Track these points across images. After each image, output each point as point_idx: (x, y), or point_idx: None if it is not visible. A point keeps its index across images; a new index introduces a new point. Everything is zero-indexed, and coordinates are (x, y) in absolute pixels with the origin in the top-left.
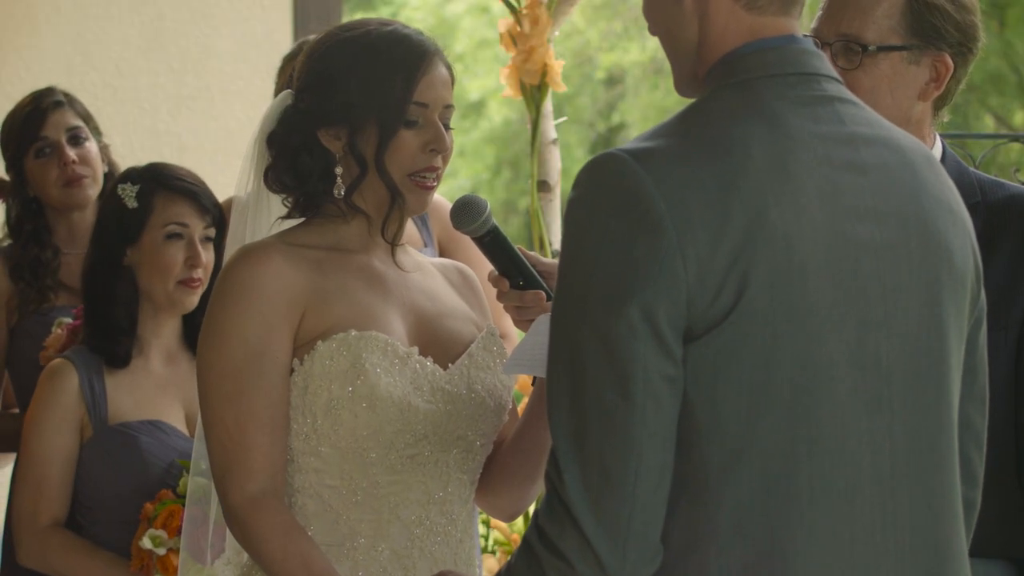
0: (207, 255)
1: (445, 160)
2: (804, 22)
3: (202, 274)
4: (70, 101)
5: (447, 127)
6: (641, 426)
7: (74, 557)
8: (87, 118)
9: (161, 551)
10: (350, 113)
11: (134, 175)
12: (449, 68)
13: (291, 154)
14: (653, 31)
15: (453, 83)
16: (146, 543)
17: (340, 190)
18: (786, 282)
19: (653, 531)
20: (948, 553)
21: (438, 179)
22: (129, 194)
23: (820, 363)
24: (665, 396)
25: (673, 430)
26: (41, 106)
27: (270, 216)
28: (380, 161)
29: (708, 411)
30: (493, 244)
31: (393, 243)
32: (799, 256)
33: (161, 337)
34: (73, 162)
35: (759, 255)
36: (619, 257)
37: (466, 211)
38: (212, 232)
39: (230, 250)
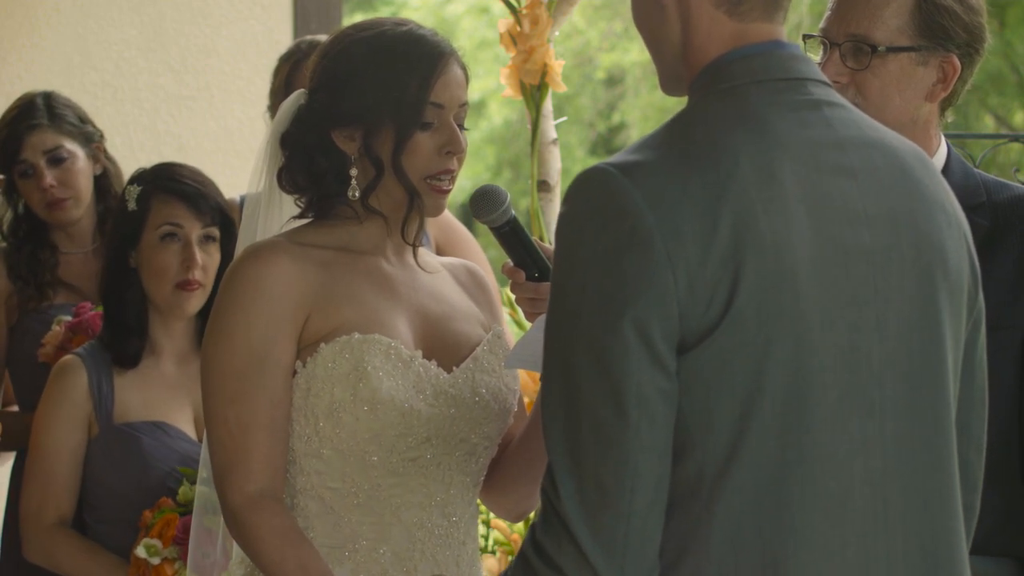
0: (205, 256)
1: (460, 161)
2: (807, 22)
3: (201, 275)
4: (51, 116)
5: (461, 127)
6: (636, 441)
7: (77, 557)
8: (72, 129)
9: (155, 560)
10: (365, 114)
11: (140, 177)
12: (464, 68)
13: (305, 154)
14: (639, 32)
15: (468, 82)
16: (141, 552)
17: (355, 192)
18: (776, 289)
19: (650, 545)
20: (945, 555)
21: (453, 181)
22: (131, 196)
23: (811, 368)
24: (660, 410)
25: (668, 443)
26: (19, 128)
27: (282, 215)
28: (397, 163)
29: (701, 420)
30: (511, 235)
31: (414, 244)
32: (789, 262)
33: (172, 339)
34: (52, 186)
35: (748, 263)
36: (609, 272)
37: (486, 200)
38: (213, 232)
39: (240, 248)
